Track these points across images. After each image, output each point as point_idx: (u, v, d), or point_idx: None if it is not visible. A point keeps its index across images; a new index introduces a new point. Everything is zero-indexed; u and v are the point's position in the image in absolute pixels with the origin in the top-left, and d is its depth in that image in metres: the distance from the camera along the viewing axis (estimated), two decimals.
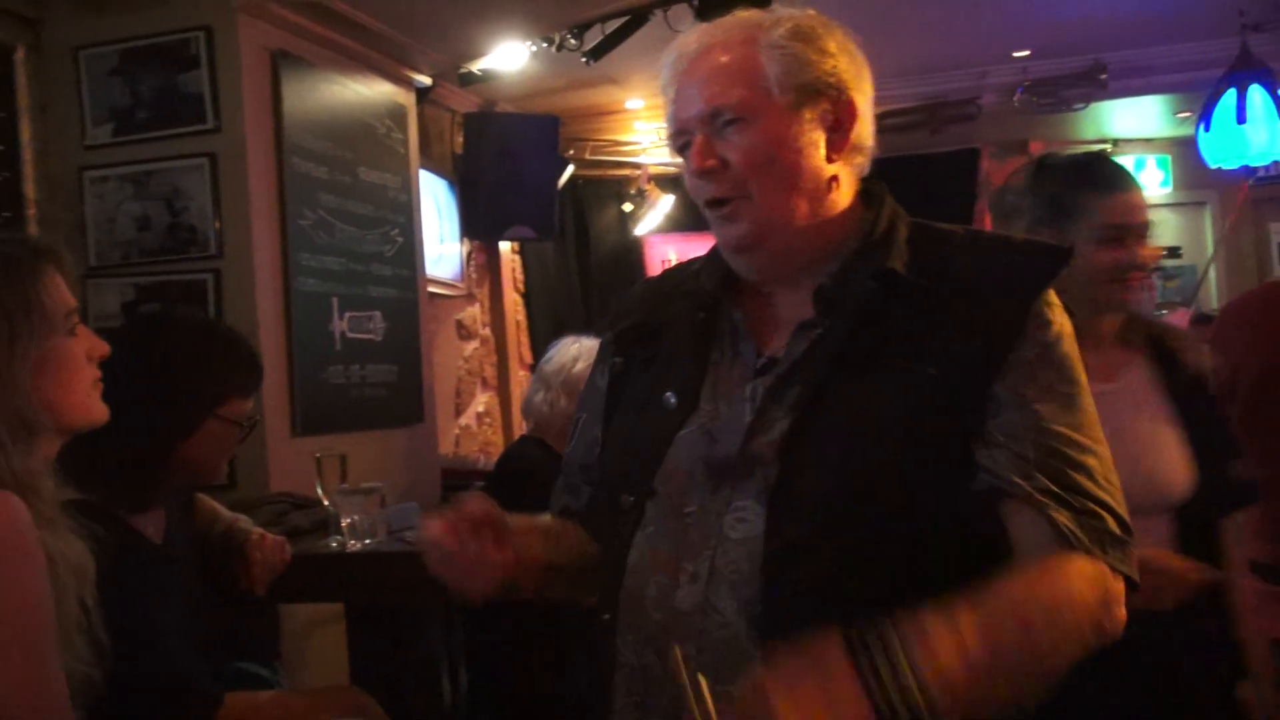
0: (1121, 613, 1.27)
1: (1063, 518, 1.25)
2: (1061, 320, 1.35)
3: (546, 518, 1.60)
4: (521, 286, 5.90)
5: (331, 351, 3.79)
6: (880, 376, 1.30)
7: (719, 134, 1.36)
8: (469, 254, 5.40)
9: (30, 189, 3.41)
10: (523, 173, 5.11)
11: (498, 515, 1.38)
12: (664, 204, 5.98)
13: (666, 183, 5.95)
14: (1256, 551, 2.10)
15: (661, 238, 6.08)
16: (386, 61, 4.20)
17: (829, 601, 1.25)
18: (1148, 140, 6.44)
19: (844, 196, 1.41)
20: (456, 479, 4.27)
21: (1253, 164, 4.99)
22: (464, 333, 5.37)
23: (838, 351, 1.32)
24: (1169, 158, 6.56)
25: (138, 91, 3.46)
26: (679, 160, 1.45)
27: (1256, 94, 4.76)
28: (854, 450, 1.28)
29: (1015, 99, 5.51)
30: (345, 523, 2.60)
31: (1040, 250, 1.41)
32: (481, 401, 5.51)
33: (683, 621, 1.31)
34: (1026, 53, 5.30)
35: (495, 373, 5.65)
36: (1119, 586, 1.27)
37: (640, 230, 6.10)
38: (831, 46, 1.37)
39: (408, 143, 4.37)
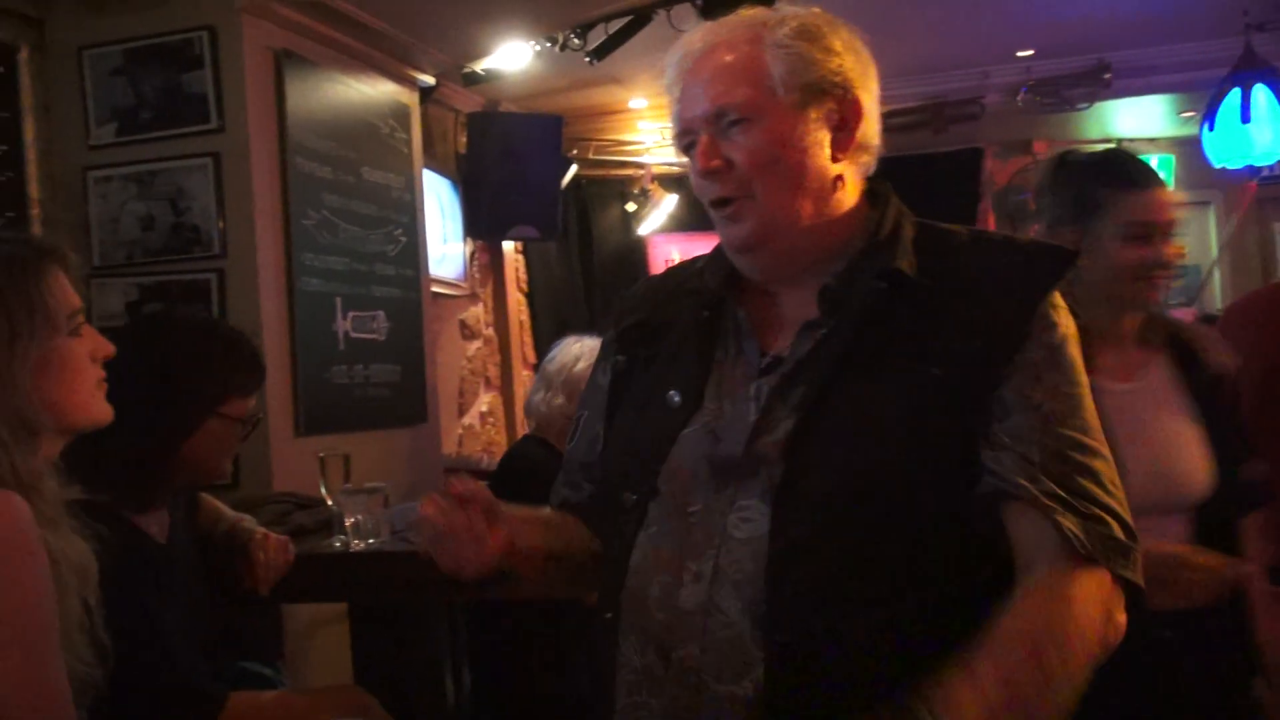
0: (1122, 619, 1.27)
1: (1068, 523, 1.24)
2: (1067, 322, 1.35)
3: (546, 510, 1.60)
4: (525, 286, 5.90)
5: (335, 351, 3.79)
6: (885, 376, 1.30)
7: (724, 134, 1.36)
8: (472, 254, 5.40)
9: (34, 189, 3.42)
10: (526, 172, 5.10)
11: (486, 494, 1.38)
12: (667, 204, 5.97)
13: (670, 182, 5.95)
14: (1260, 552, 2.10)
15: (665, 237, 6.07)
16: (390, 61, 4.20)
17: (833, 601, 1.26)
18: (1151, 140, 6.42)
19: (849, 196, 1.40)
20: None
21: (1257, 164, 4.98)
22: (467, 332, 5.37)
23: (843, 351, 1.32)
24: (1173, 157, 6.55)
25: (141, 91, 3.46)
26: (682, 160, 1.45)
27: (1261, 93, 4.75)
28: (859, 450, 1.28)
29: (1019, 99, 5.51)
30: (349, 522, 2.60)
31: (1046, 252, 1.41)
32: (485, 401, 5.51)
33: (686, 621, 1.31)
34: (1030, 52, 5.29)
35: (498, 372, 5.65)
36: (1119, 595, 1.27)
37: (643, 230, 6.09)
38: (837, 45, 1.37)
39: (411, 142, 4.37)
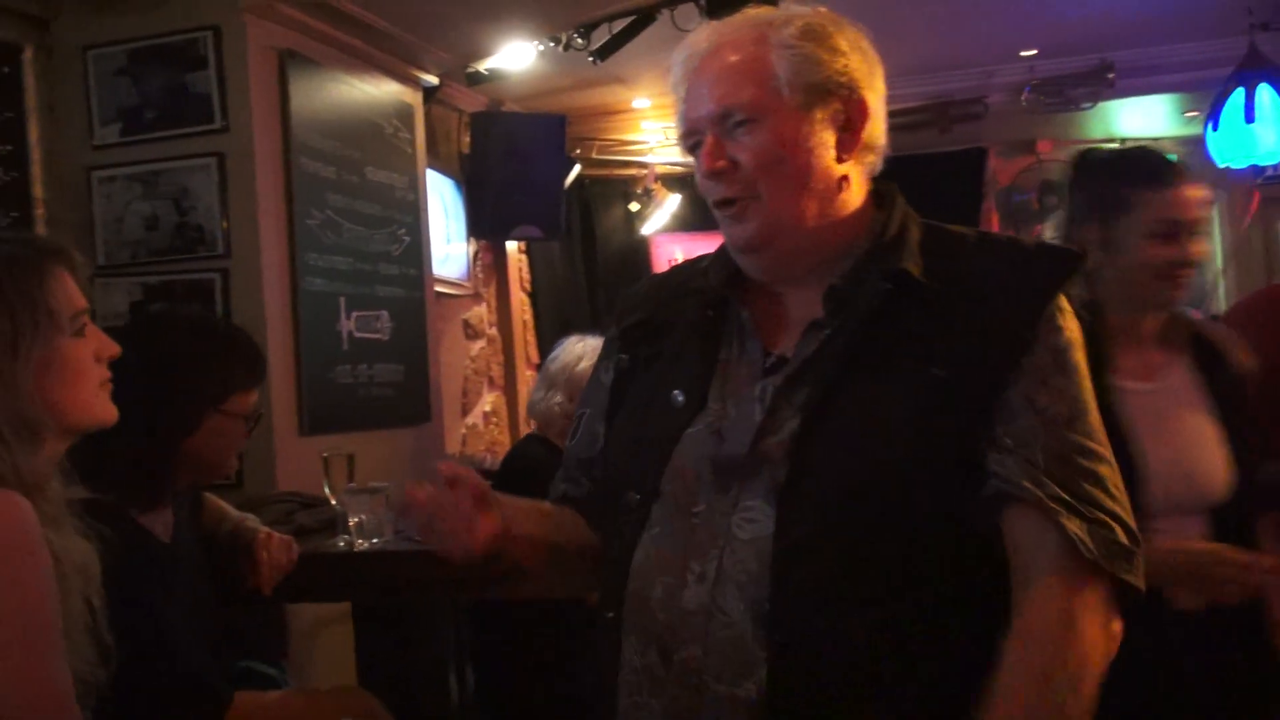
0: (1119, 627, 1.28)
1: (1073, 526, 1.24)
2: (1073, 326, 1.35)
3: (545, 503, 1.60)
4: (528, 286, 5.90)
5: (339, 351, 3.79)
6: (890, 377, 1.29)
7: (729, 134, 1.36)
8: (476, 253, 5.41)
9: (38, 189, 3.42)
10: (529, 172, 5.11)
11: (476, 478, 1.38)
12: (670, 203, 5.97)
13: (673, 182, 5.95)
14: (1278, 552, 2.09)
15: (668, 237, 6.08)
16: (394, 61, 4.21)
17: (836, 601, 1.26)
18: (1155, 140, 6.41)
19: (855, 197, 1.40)
20: None
21: (1261, 163, 4.98)
22: (471, 332, 5.37)
23: (848, 352, 1.32)
24: (1176, 157, 6.55)
25: (145, 91, 3.46)
26: (686, 160, 1.45)
27: (1265, 93, 4.74)
28: (864, 451, 1.28)
29: (1022, 98, 5.51)
30: (352, 522, 2.60)
31: (1052, 254, 1.40)
32: (488, 401, 5.52)
33: (688, 622, 1.31)
34: (1033, 52, 5.29)
35: (502, 372, 5.65)
36: (1116, 603, 1.27)
37: (647, 230, 6.09)
38: (843, 45, 1.37)
39: (415, 142, 4.37)
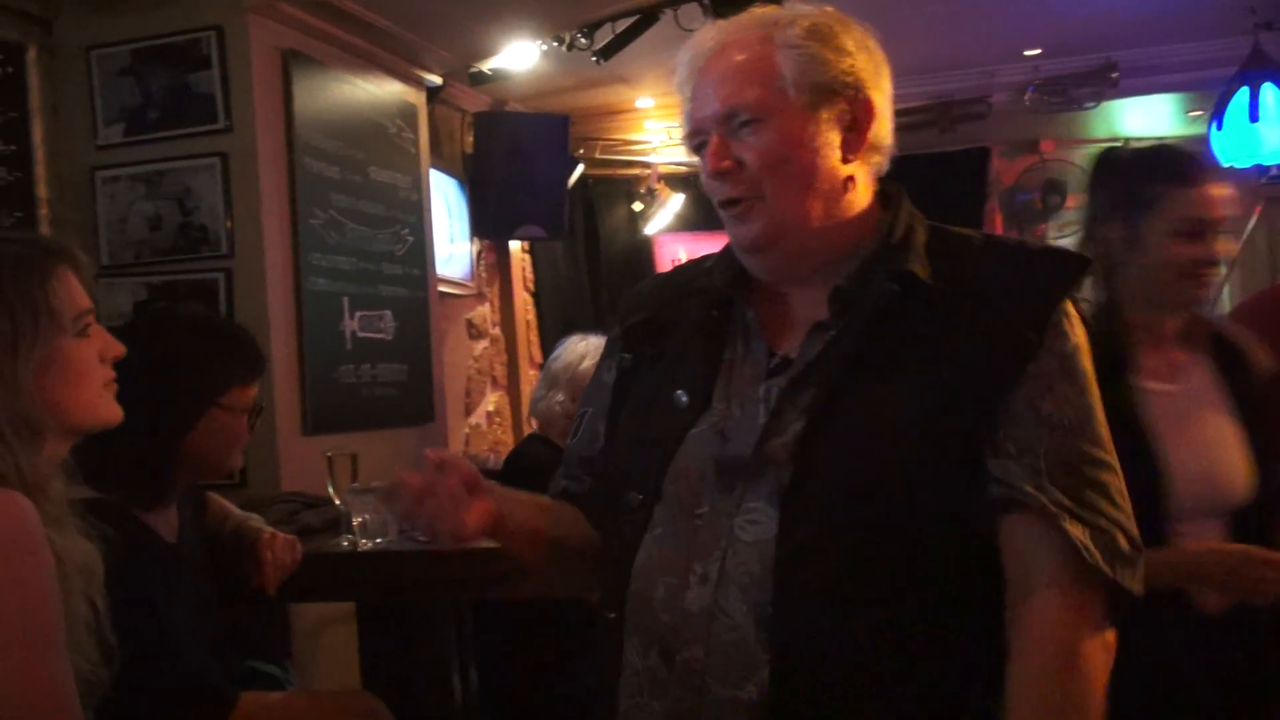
0: (1114, 637, 1.28)
1: (1076, 531, 1.24)
2: (1079, 332, 1.34)
3: (545, 497, 1.60)
4: (531, 286, 5.90)
5: (342, 351, 3.80)
6: (896, 379, 1.29)
7: (735, 134, 1.35)
8: (479, 253, 5.41)
9: (42, 189, 3.42)
10: (533, 172, 5.10)
11: (465, 463, 1.38)
12: (674, 203, 5.97)
13: (676, 182, 5.94)
14: None
15: (671, 237, 6.07)
16: (397, 61, 4.21)
17: (840, 603, 1.25)
18: (1159, 139, 6.41)
19: (861, 197, 1.39)
20: None
21: (1265, 163, 4.97)
22: (474, 332, 5.37)
23: (853, 353, 1.31)
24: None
25: (149, 91, 3.46)
26: (689, 159, 1.45)
27: (1269, 92, 4.74)
28: (869, 453, 1.27)
29: (1026, 98, 5.50)
30: (356, 522, 2.60)
31: (1060, 258, 1.39)
32: (491, 401, 5.52)
33: (690, 623, 1.30)
34: (1037, 51, 5.28)
35: (505, 372, 5.66)
36: (1113, 612, 1.28)
37: (650, 229, 6.09)
38: (849, 45, 1.36)
39: (418, 142, 4.37)
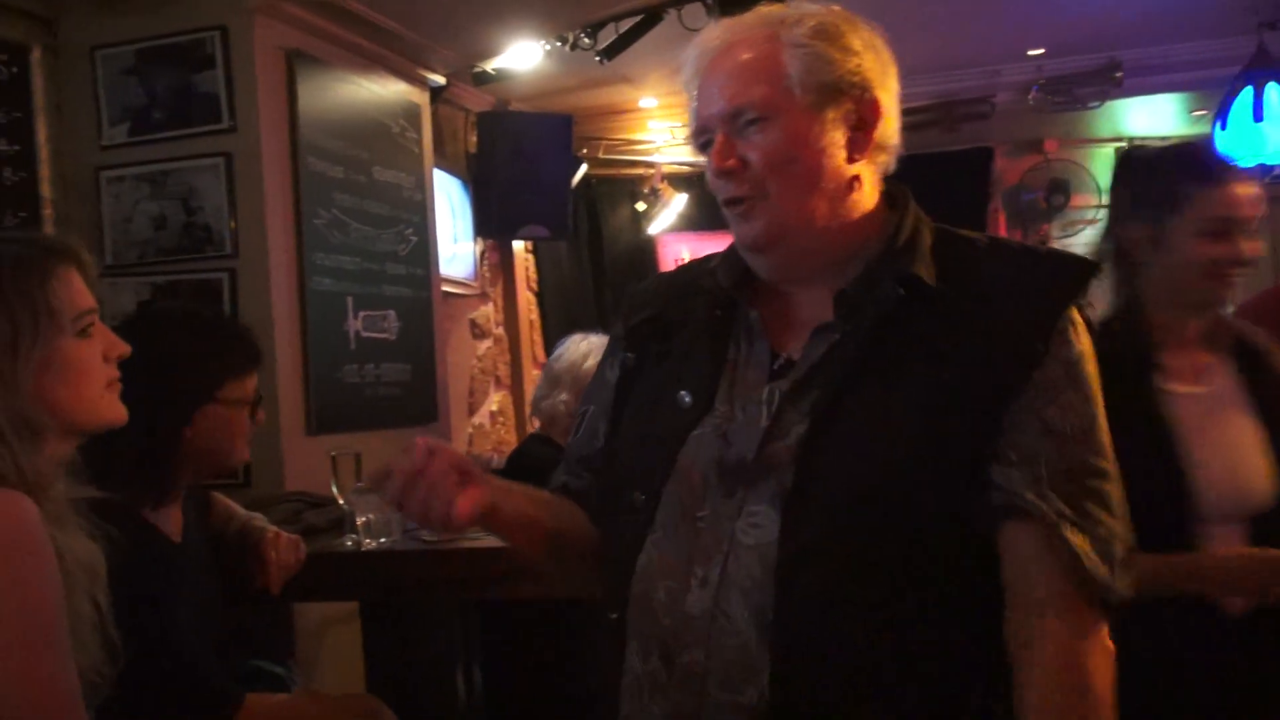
0: (1110, 642, 1.29)
1: (1077, 539, 1.24)
2: (1085, 339, 1.33)
3: (544, 491, 1.59)
4: (535, 285, 5.91)
5: (346, 350, 3.80)
6: (899, 383, 1.28)
7: (740, 133, 1.34)
8: (482, 253, 5.41)
9: (46, 189, 3.42)
10: (536, 172, 5.11)
11: (456, 451, 1.36)
12: (677, 203, 5.97)
13: (680, 181, 5.94)
14: None
15: (675, 236, 6.07)
16: (401, 61, 4.21)
17: (841, 607, 1.25)
18: (1163, 139, 6.41)
19: (867, 198, 1.39)
20: None
21: (1270, 162, 4.96)
22: (477, 332, 5.38)
23: (857, 357, 1.30)
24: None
25: (153, 91, 3.47)
26: (693, 159, 1.44)
27: (1273, 92, 4.74)
28: (872, 457, 1.26)
29: (1029, 97, 5.50)
30: (360, 521, 2.60)
31: (1066, 264, 1.38)
32: (495, 400, 5.52)
33: (691, 627, 1.30)
34: (1041, 51, 5.28)
35: (509, 372, 5.66)
36: (1110, 618, 1.28)
37: (654, 229, 6.09)
38: (856, 44, 1.35)
39: (422, 142, 4.37)
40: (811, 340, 1.36)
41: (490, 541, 2.45)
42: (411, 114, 4.30)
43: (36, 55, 3.42)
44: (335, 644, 3.47)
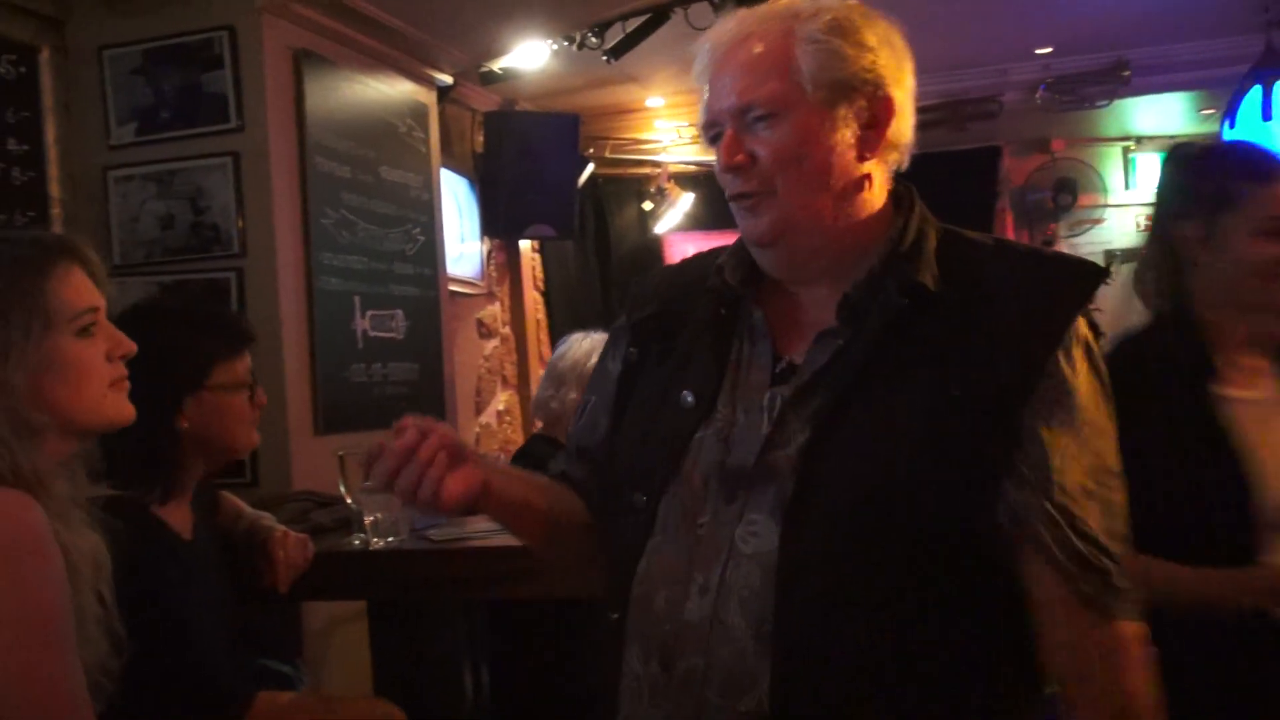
0: (1141, 631, 1.28)
1: (1082, 547, 1.24)
2: (1094, 348, 1.31)
3: (542, 476, 1.58)
4: (541, 285, 5.91)
5: (353, 350, 3.80)
6: (903, 391, 1.26)
7: (749, 128, 1.32)
8: (489, 252, 5.41)
9: (55, 188, 3.43)
10: (543, 171, 5.11)
11: (448, 430, 1.34)
12: (684, 202, 5.97)
13: (687, 181, 5.94)
14: None
15: (681, 236, 6.07)
16: (408, 60, 4.21)
17: (842, 614, 1.24)
18: (1171, 138, 6.40)
19: (876, 196, 1.37)
20: None
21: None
22: (484, 331, 5.38)
23: (860, 363, 1.29)
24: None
25: (161, 91, 3.47)
26: (699, 158, 1.43)
27: None
28: (874, 466, 1.25)
29: (1037, 96, 5.49)
30: (367, 521, 2.60)
31: (1074, 269, 1.35)
32: (502, 400, 5.52)
33: (690, 633, 1.29)
34: (1048, 50, 5.27)
35: (515, 371, 5.66)
36: (1135, 614, 1.28)
37: (660, 229, 6.09)
38: (871, 40, 1.33)
39: (429, 141, 4.38)
40: (815, 346, 1.34)
41: (497, 541, 2.45)
42: (419, 114, 4.30)
43: (45, 55, 3.43)
44: (343, 643, 3.47)
